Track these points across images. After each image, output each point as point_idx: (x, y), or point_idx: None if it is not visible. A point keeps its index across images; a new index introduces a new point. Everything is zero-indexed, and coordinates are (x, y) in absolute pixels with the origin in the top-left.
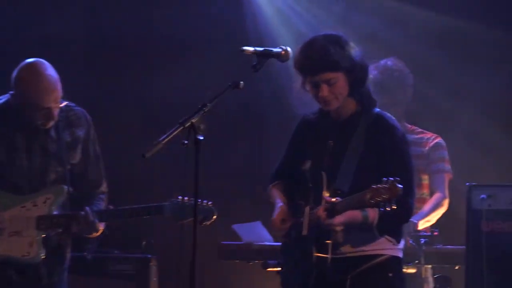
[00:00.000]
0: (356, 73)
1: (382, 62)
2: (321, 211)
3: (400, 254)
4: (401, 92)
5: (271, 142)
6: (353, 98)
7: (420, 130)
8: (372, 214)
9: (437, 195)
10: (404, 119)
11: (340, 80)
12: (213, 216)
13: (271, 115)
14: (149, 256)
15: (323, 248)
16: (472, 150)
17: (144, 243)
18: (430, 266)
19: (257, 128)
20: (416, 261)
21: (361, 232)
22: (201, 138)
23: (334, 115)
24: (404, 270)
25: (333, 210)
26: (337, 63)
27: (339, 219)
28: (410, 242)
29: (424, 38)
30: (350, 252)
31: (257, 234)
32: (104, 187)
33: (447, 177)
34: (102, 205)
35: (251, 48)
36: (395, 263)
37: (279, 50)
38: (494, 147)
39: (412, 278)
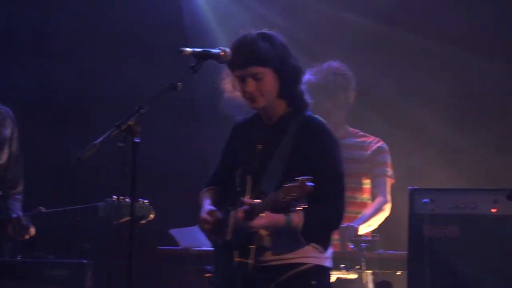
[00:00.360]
0: (287, 73)
1: (325, 65)
2: (240, 213)
3: (327, 263)
4: (344, 96)
5: (211, 147)
6: (283, 99)
7: (362, 133)
8: (296, 218)
9: (378, 200)
10: (346, 122)
11: (268, 76)
12: (150, 214)
13: (210, 120)
14: (84, 261)
15: (246, 253)
16: (415, 154)
17: (80, 247)
18: (371, 271)
19: (197, 132)
20: (357, 267)
21: (287, 238)
22: (138, 140)
23: (264, 118)
24: (345, 275)
25: (252, 212)
26: (265, 58)
27: (258, 221)
28: (351, 247)
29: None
30: (274, 260)
31: (195, 239)
32: (20, 188)
33: (389, 181)
34: (18, 206)
35: (189, 49)
36: (320, 271)
37: (218, 51)
38: (438, 151)
39: (352, 284)
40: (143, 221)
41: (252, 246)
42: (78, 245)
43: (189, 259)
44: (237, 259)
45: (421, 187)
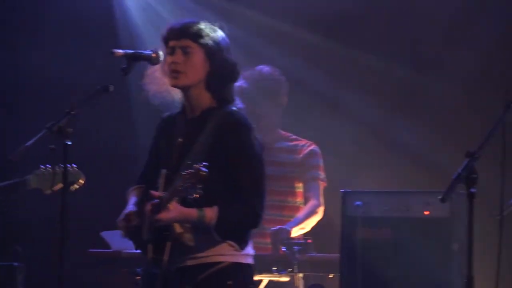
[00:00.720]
0: (219, 64)
1: (257, 70)
2: (148, 207)
3: (246, 260)
4: (275, 101)
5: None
6: (210, 92)
7: (294, 137)
8: (210, 213)
9: (311, 203)
10: (278, 126)
11: (198, 55)
12: (80, 179)
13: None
14: (16, 264)
15: (161, 251)
16: (345, 156)
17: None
18: (303, 274)
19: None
20: (289, 269)
21: (204, 236)
22: (69, 143)
23: (188, 111)
24: (277, 278)
25: (159, 206)
26: (200, 34)
27: (166, 214)
28: (283, 249)
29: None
30: (191, 259)
31: (127, 241)
32: None
33: (321, 184)
34: None
35: (121, 51)
36: (237, 270)
37: (150, 52)
38: (370, 154)
39: (285, 287)
40: (75, 186)
41: (167, 243)
42: (10, 248)
43: (121, 262)
44: (151, 256)
45: (354, 190)
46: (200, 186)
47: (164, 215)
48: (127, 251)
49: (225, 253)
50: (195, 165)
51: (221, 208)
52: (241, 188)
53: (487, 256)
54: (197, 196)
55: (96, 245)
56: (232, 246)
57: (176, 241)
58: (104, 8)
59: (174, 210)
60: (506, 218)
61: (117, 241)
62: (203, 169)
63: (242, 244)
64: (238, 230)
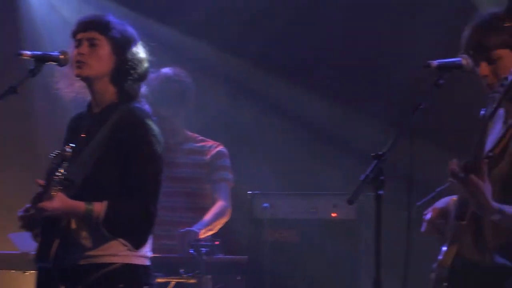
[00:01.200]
0: (125, 59)
1: (163, 71)
2: (33, 197)
3: (141, 262)
4: (181, 103)
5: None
6: (114, 86)
7: (201, 138)
8: (98, 208)
9: (219, 204)
10: (184, 127)
11: (104, 48)
12: None
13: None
14: None
15: (48, 249)
16: (253, 158)
17: None
18: (210, 276)
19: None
20: (197, 271)
21: (96, 234)
22: None
23: (93, 105)
24: (184, 280)
25: (42, 194)
26: (107, 27)
27: (49, 203)
28: (191, 251)
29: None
30: (83, 259)
31: (34, 243)
32: None
33: (229, 185)
34: None
35: (28, 52)
36: (129, 272)
37: (58, 54)
38: (275, 155)
39: None
40: None
41: (55, 240)
42: None
43: (28, 264)
44: (36, 255)
45: (261, 192)
46: (65, 165)
47: (47, 204)
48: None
49: (118, 254)
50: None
51: (111, 203)
52: (133, 185)
53: (394, 257)
54: (60, 174)
55: (4, 246)
56: (125, 246)
57: (66, 238)
58: (9, 8)
59: (58, 199)
60: (414, 219)
61: (25, 242)
62: (67, 149)
63: (137, 244)
64: (129, 228)
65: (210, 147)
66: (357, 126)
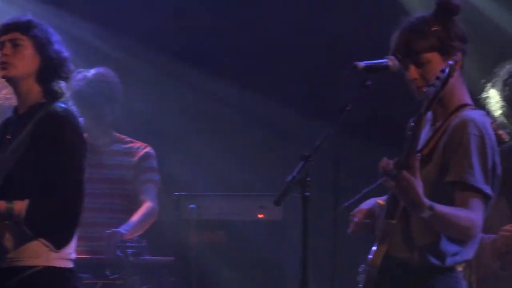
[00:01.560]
0: (48, 55)
1: (91, 72)
2: None
3: (63, 264)
4: (109, 103)
5: None
6: (40, 86)
7: (129, 139)
8: (19, 206)
9: (146, 205)
10: (111, 128)
11: (27, 49)
12: None
13: None
14: None
15: None
16: (180, 159)
17: None
18: (137, 277)
19: None
20: (123, 273)
21: (17, 234)
22: None
23: (20, 106)
24: (110, 282)
25: None
26: (27, 27)
27: None
28: (118, 252)
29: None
30: (4, 261)
31: None
32: None
33: (156, 187)
34: None
35: None
36: (51, 275)
37: None
38: (202, 156)
39: None
40: None
41: None
42: None
43: None
44: None
45: (188, 193)
46: None
47: None
48: None
49: (39, 256)
50: None
51: (32, 201)
52: (54, 183)
53: (321, 258)
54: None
55: None
56: (47, 246)
57: None
58: None
59: None
60: (340, 220)
61: None
62: None
63: (58, 244)
64: (50, 226)
65: (137, 148)
66: (284, 125)
